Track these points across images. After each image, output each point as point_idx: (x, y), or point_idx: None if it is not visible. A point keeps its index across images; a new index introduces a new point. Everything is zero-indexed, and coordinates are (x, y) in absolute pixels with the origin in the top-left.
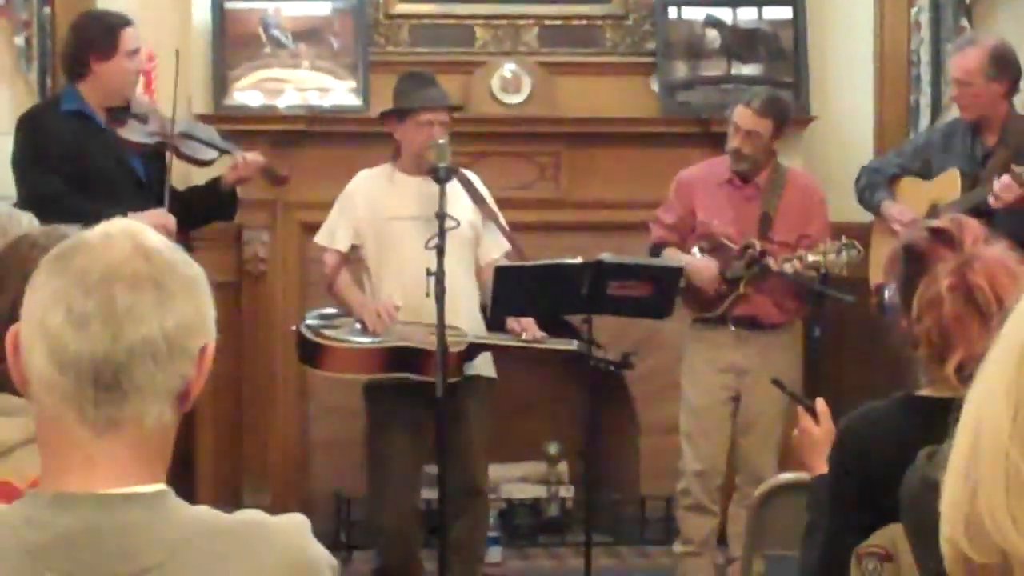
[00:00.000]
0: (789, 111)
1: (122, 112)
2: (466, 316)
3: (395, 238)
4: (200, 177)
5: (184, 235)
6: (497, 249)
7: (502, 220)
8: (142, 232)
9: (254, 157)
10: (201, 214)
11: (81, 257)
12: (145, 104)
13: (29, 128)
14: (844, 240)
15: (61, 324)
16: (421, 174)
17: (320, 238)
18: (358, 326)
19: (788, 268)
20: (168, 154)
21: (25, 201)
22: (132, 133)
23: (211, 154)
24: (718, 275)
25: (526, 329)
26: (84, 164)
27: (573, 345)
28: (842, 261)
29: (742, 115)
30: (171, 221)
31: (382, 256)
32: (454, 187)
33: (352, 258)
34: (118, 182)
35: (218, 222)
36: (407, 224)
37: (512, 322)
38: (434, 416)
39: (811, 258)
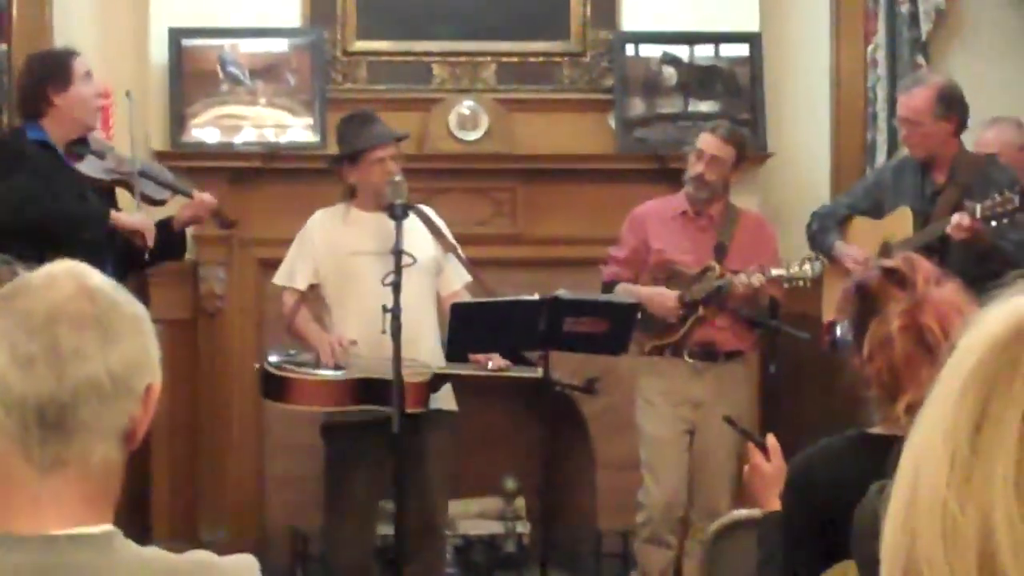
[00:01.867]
0: (748, 142)
1: (81, 147)
2: (426, 350)
3: (354, 274)
4: (152, 216)
5: (138, 272)
6: (459, 280)
7: (460, 252)
8: (85, 272)
9: (209, 198)
10: (153, 254)
11: (24, 298)
12: (102, 142)
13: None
14: (806, 254)
15: (5, 365)
16: (376, 209)
17: (279, 278)
18: (319, 361)
19: (755, 280)
20: (118, 191)
21: (3, 204)
22: (89, 168)
23: (165, 194)
24: (677, 303)
25: (491, 359)
26: (49, 192)
27: (538, 372)
28: (806, 272)
29: (707, 141)
30: (151, 225)
31: (342, 292)
32: (412, 222)
33: (311, 296)
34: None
35: (167, 261)
36: (366, 260)
37: (476, 355)
38: (393, 452)
39: (774, 272)
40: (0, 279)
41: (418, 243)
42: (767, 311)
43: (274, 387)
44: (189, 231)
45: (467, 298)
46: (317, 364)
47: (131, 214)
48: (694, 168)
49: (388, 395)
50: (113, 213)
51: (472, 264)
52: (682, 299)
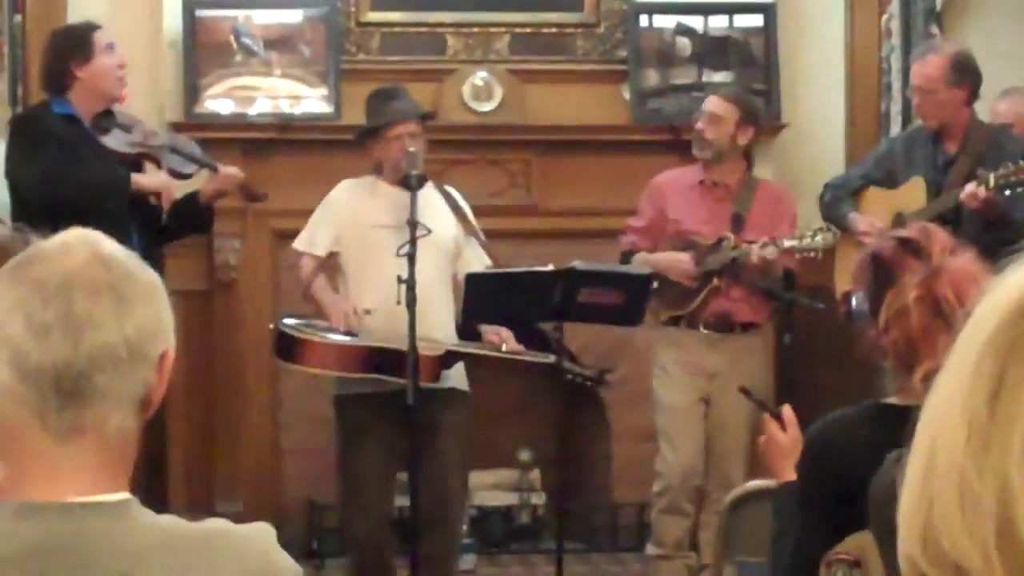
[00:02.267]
0: (757, 107)
1: (106, 120)
2: (440, 327)
3: (375, 246)
4: (178, 191)
5: (156, 246)
6: (478, 264)
7: (482, 236)
8: (99, 240)
9: (235, 172)
10: (178, 228)
11: (39, 266)
12: (130, 115)
13: (24, 123)
14: (817, 225)
15: (21, 333)
16: (402, 185)
17: (299, 243)
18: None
19: (768, 252)
20: (146, 164)
21: (31, 182)
22: (115, 142)
23: (192, 168)
24: (693, 267)
25: (505, 341)
26: (75, 165)
27: (550, 359)
28: (817, 243)
29: (709, 100)
30: (173, 184)
31: (360, 263)
32: (436, 200)
33: (328, 264)
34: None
35: (194, 235)
36: (387, 232)
37: (491, 334)
38: (406, 425)
39: (786, 243)
40: (13, 249)
41: (438, 220)
42: (781, 282)
43: (286, 347)
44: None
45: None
46: (330, 331)
47: (151, 176)
48: (697, 127)
49: (400, 366)
50: (134, 176)
51: (486, 236)
52: (697, 267)
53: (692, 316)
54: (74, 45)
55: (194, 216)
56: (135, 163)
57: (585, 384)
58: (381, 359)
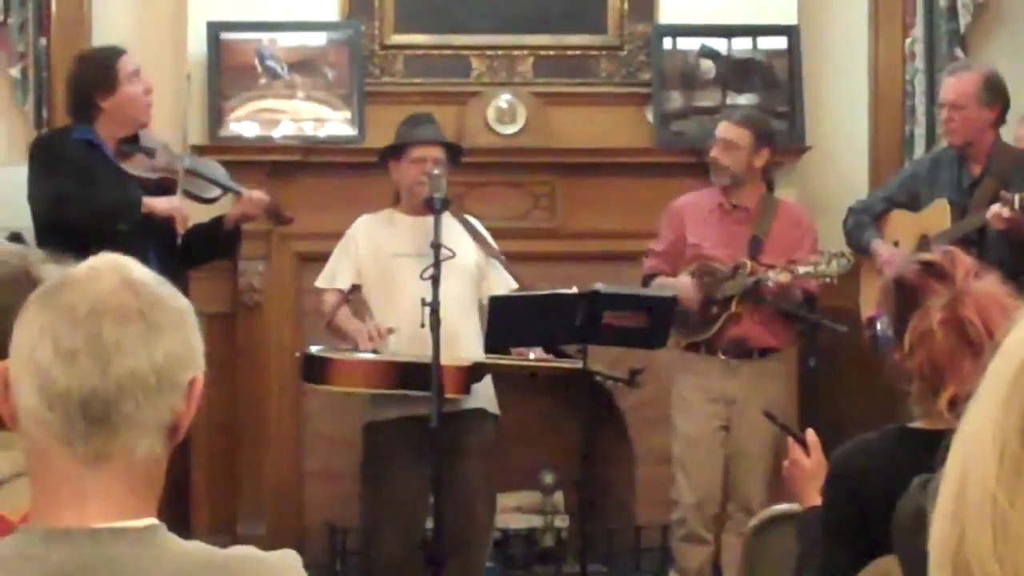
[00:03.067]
0: (770, 129)
1: (130, 145)
2: (467, 349)
3: (396, 275)
4: (203, 215)
5: (179, 269)
6: (503, 287)
7: (504, 259)
8: (128, 266)
9: (260, 196)
10: (203, 252)
11: (68, 292)
12: (155, 138)
13: (41, 146)
14: (833, 251)
15: (50, 359)
16: (418, 212)
17: (321, 281)
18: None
19: (783, 278)
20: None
21: (42, 203)
22: (138, 167)
23: (215, 192)
24: (701, 296)
25: (532, 350)
26: (88, 187)
27: (579, 364)
28: (832, 270)
29: (721, 127)
30: (185, 209)
31: (383, 294)
32: (456, 228)
33: (352, 298)
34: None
35: (220, 259)
36: (407, 261)
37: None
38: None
39: (802, 269)
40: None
41: (459, 246)
42: (803, 305)
43: (314, 368)
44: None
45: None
46: (356, 351)
47: (163, 199)
48: (711, 153)
49: (429, 379)
50: (146, 200)
51: (509, 259)
52: (714, 296)
53: (710, 342)
54: (99, 75)
55: (219, 241)
56: (159, 188)
57: (611, 390)
58: (409, 373)
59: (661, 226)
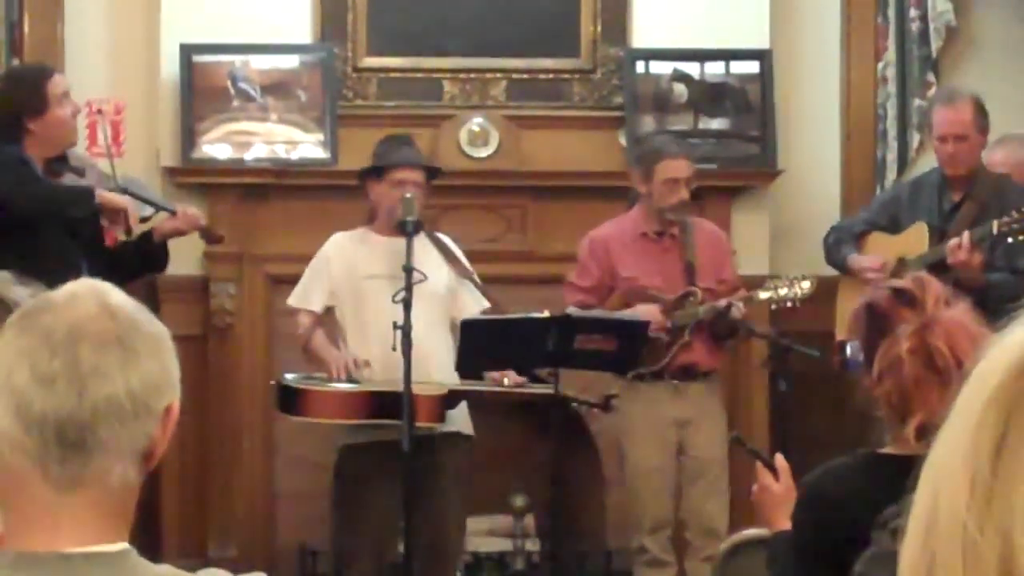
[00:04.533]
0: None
1: (60, 164)
2: (440, 371)
3: (368, 296)
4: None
5: (150, 288)
6: (474, 306)
7: (476, 279)
8: (107, 291)
9: (194, 212)
10: (131, 266)
11: (47, 316)
12: (83, 158)
13: None
14: (793, 275)
15: (27, 382)
16: (393, 233)
17: (293, 300)
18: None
19: (741, 306)
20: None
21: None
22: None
23: (148, 210)
24: (663, 314)
25: (506, 375)
26: (41, 181)
27: (551, 389)
28: (795, 294)
29: (682, 167)
30: (132, 204)
31: (357, 315)
32: (427, 247)
33: (325, 319)
34: (55, 233)
35: (148, 274)
36: (381, 283)
37: (491, 374)
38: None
39: (763, 295)
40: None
41: (431, 267)
42: (776, 329)
43: (289, 400)
44: (186, 245)
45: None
46: (330, 381)
47: (115, 194)
48: (679, 195)
49: (403, 407)
50: (98, 191)
51: (483, 282)
52: (667, 317)
53: (657, 370)
54: (28, 97)
55: (148, 255)
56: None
57: (583, 414)
58: (384, 403)
59: (582, 259)
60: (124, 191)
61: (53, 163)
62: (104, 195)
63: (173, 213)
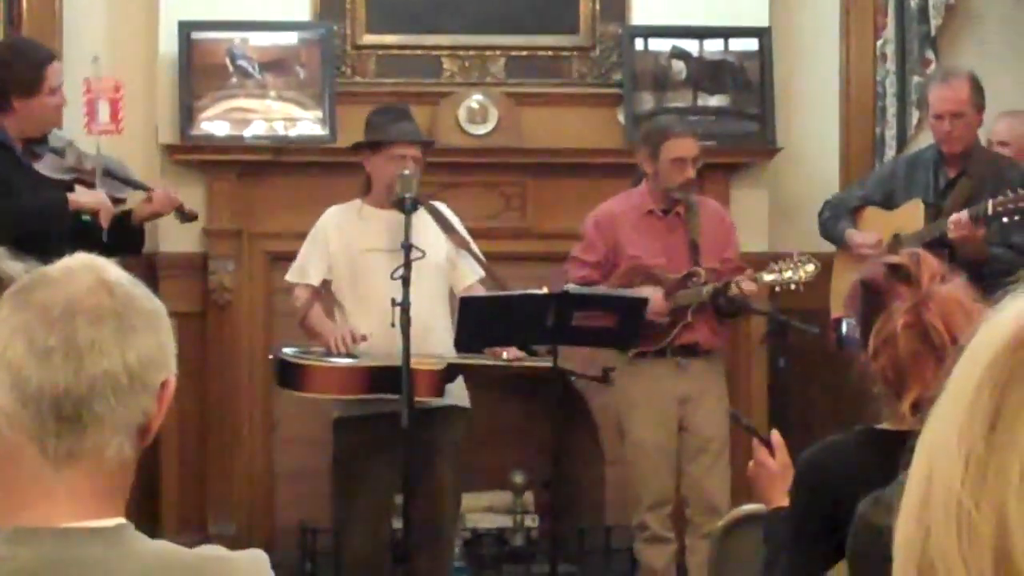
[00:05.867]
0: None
1: (39, 145)
2: (438, 344)
3: (367, 271)
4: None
5: (149, 265)
6: (472, 275)
7: (475, 247)
8: (104, 266)
9: (172, 194)
10: (111, 248)
11: (43, 291)
12: (62, 139)
13: None
14: (797, 256)
15: (23, 357)
16: (391, 207)
17: (291, 275)
18: (330, 353)
19: (747, 287)
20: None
21: None
22: (48, 167)
23: (125, 191)
24: (666, 307)
25: (506, 349)
26: (8, 197)
27: (551, 362)
28: (800, 276)
29: (691, 145)
30: (109, 204)
31: (354, 289)
32: (424, 219)
33: (323, 293)
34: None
35: (125, 256)
36: (378, 256)
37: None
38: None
39: (767, 278)
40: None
41: (429, 240)
42: (772, 306)
43: (288, 375)
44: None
45: (480, 292)
46: (328, 355)
47: (88, 192)
48: (685, 174)
49: (402, 383)
50: (71, 196)
51: (483, 258)
52: (667, 301)
53: (660, 348)
54: (23, 76)
55: (125, 236)
56: (69, 188)
57: (583, 390)
58: (383, 378)
59: (588, 233)
60: (104, 171)
61: (33, 143)
62: (78, 200)
63: (148, 191)
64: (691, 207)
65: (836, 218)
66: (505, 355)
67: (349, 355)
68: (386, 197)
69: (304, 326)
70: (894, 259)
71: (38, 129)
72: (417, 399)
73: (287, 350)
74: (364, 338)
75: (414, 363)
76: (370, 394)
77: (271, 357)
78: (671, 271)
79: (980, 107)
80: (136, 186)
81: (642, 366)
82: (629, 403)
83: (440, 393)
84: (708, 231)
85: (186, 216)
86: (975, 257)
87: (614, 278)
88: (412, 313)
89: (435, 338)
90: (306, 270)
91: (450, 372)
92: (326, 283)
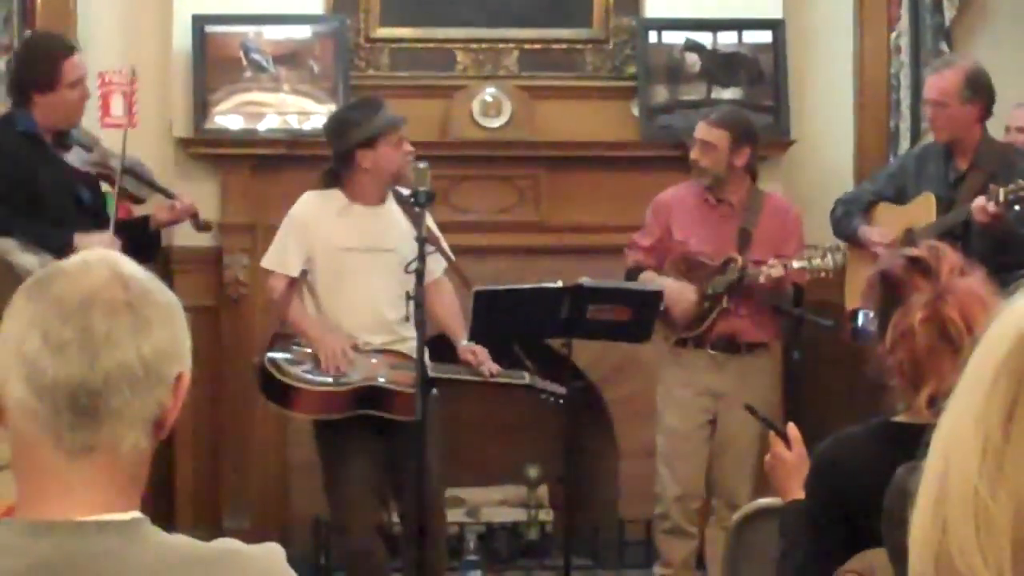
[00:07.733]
0: (749, 126)
1: (68, 137)
2: (408, 343)
3: (346, 270)
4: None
5: (163, 259)
6: (437, 268)
7: (444, 244)
8: (119, 260)
9: (190, 204)
10: (124, 248)
11: (59, 284)
12: (90, 134)
13: None
14: (828, 245)
15: (38, 350)
16: (375, 201)
17: (268, 263)
18: (318, 362)
19: (775, 272)
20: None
21: None
22: (75, 159)
23: (146, 192)
24: (696, 300)
25: (482, 362)
26: (34, 187)
27: (524, 379)
28: (828, 264)
29: (699, 128)
30: (118, 245)
31: (332, 286)
32: (395, 213)
33: (298, 282)
34: (64, 206)
35: (140, 263)
36: (357, 256)
37: (466, 353)
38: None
39: (796, 264)
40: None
41: (396, 232)
42: (791, 299)
43: (274, 391)
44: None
45: (447, 285)
46: (317, 365)
47: (94, 235)
48: (691, 155)
49: (386, 402)
50: (79, 238)
51: (494, 252)
52: (703, 293)
53: (699, 337)
54: (40, 71)
55: (142, 241)
56: (94, 182)
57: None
58: (365, 396)
59: (647, 219)
60: (126, 171)
61: (62, 136)
62: (88, 242)
63: (172, 199)
64: (754, 200)
65: (849, 215)
66: (481, 369)
67: (338, 377)
68: (390, 184)
69: (286, 322)
70: (914, 252)
71: (61, 123)
72: (392, 417)
73: (275, 355)
74: (355, 347)
75: (390, 385)
76: (356, 411)
77: (255, 360)
78: (716, 259)
79: (972, 100)
80: (158, 190)
81: (682, 355)
82: (666, 390)
83: (415, 414)
84: (766, 225)
85: (201, 226)
86: (1005, 238)
87: (667, 265)
88: (380, 310)
89: (405, 331)
90: (285, 259)
91: (428, 386)
92: (303, 273)
